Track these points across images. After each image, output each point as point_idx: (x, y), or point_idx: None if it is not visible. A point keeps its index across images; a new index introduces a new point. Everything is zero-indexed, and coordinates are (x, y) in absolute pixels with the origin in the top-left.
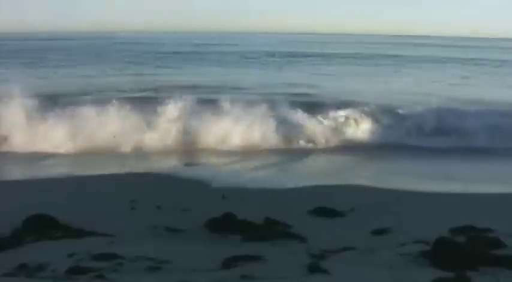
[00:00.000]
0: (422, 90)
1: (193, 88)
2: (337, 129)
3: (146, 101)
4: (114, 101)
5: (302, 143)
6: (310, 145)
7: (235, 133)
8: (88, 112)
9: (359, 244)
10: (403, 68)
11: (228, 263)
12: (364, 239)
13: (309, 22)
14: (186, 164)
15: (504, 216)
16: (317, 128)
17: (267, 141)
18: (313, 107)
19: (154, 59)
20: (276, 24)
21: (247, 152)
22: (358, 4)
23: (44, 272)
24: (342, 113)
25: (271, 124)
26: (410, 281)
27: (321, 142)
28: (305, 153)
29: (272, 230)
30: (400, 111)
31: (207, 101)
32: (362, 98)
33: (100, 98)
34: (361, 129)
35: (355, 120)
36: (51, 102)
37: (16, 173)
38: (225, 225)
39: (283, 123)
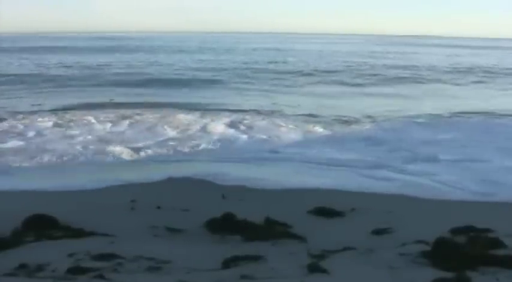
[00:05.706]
0: None
1: None
2: None
3: None
4: None
5: None
6: None
7: None
8: None
9: (359, 244)
10: None
11: (228, 263)
12: (364, 239)
13: None
14: None
15: (504, 217)
16: None
17: None
18: None
19: None
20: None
21: None
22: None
23: (44, 272)
24: None
25: None
26: (410, 281)
27: None
28: None
29: (272, 230)
30: None
31: None
32: None
33: None
34: None
35: None
36: None
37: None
38: (225, 225)
39: None
